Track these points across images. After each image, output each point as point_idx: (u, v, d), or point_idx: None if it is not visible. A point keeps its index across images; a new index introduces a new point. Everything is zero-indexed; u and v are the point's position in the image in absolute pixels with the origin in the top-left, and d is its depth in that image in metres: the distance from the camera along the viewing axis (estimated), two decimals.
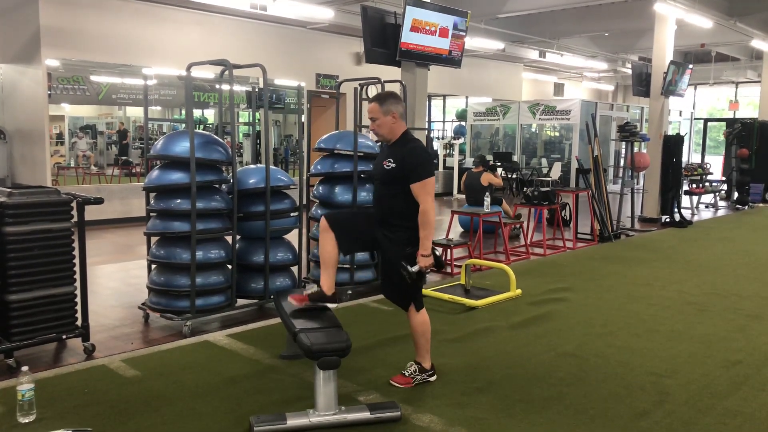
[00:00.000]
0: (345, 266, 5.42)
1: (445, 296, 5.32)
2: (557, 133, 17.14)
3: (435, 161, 15.28)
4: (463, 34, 7.46)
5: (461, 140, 16.03)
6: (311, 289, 3.42)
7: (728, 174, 13.84)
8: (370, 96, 5.88)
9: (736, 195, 13.56)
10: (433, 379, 3.57)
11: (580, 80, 21.14)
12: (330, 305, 3.39)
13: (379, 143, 5.56)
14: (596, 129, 8.97)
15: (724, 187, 13.95)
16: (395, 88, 5.98)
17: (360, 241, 3.57)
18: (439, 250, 3.47)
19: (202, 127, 14.47)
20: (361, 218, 3.61)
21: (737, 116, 17.94)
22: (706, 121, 16.46)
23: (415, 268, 3.29)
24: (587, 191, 8.63)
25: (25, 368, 3.08)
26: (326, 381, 3.00)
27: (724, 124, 15.23)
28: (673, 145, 10.70)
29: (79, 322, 4.01)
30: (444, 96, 18.00)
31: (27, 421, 3.01)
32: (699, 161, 13.73)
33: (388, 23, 6.88)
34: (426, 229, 3.28)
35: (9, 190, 3.74)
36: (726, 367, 3.90)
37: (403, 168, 3.32)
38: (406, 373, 3.52)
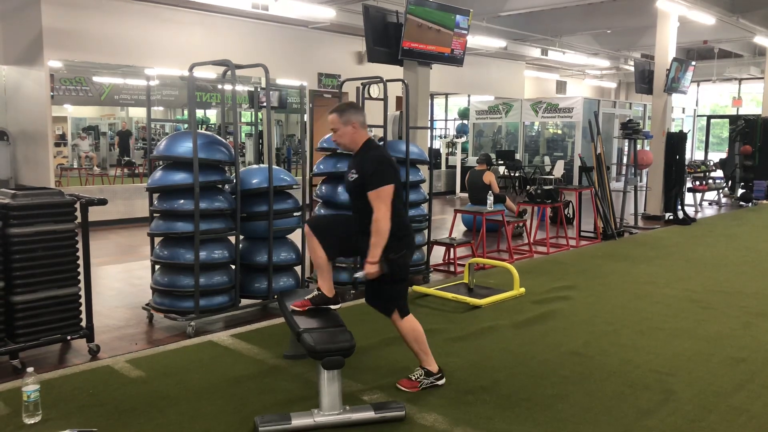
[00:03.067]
0: (348, 266, 5.42)
1: (449, 295, 5.31)
2: (560, 131, 17.11)
3: (437, 160, 15.28)
4: (465, 32, 7.45)
5: (464, 139, 16.03)
6: (312, 293, 3.42)
7: (731, 171, 13.82)
8: (372, 95, 5.92)
9: (740, 192, 13.54)
10: (441, 383, 3.50)
11: (583, 78, 21.09)
12: (332, 307, 3.39)
13: (383, 142, 5.57)
14: (599, 127, 8.96)
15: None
16: (397, 87, 5.98)
17: (341, 248, 3.51)
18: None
19: (204, 127, 14.49)
20: (341, 224, 3.58)
21: (740, 113, 17.90)
22: (709, 118, 16.44)
23: (359, 275, 3.26)
24: (590, 189, 8.62)
25: (30, 369, 3.09)
26: (330, 381, 3.00)
27: (727, 120, 15.20)
28: (676, 142, 10.68)
29: (83, 323, 4.02)
30: (446, 95, 17.99)
31: (32, 422, 3.02)
32: (702, 158, 13.70)
33: (390, 22, 6.88)
34: (376, 237, 3.20)
35: (13, 191, 3.75)
36: (731, 365, 3.89)
37: (364, 177, 3.28)
38: (413, 377, 3.49)
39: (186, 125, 10.10)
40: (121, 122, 15.66)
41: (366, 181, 3.26)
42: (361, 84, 5.82)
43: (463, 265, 6.07)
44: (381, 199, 3.22)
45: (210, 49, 9.87)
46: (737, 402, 3.35)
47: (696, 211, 11.83)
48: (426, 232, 6.12)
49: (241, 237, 4.90)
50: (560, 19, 13.28)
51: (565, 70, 19.50)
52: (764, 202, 13.34)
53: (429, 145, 7.34)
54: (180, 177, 4.48)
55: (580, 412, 3.21)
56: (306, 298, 3.39)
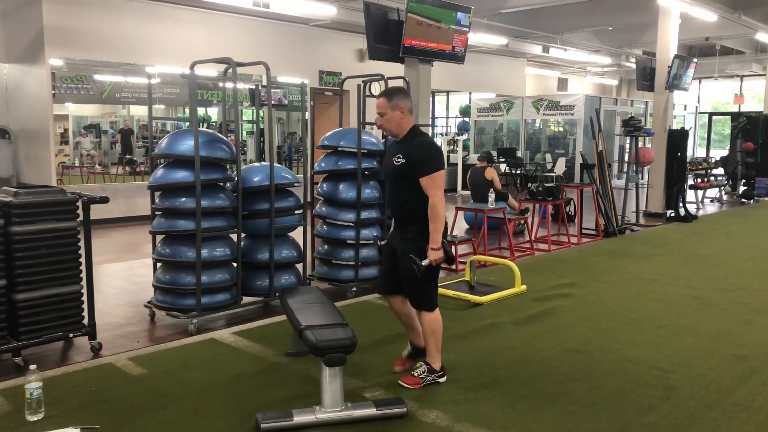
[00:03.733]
0: (350, 263, 5.42)
1: (450, 293, 5.32)
2: (561, 129, 17.10)
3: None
4: (466, 29, 7.45)
5: (465, 136, 16.01)
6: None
7: (733, 168, 13.80)
8: (374, 93, 5.90)
9: (741, 189, 13.53)
10: (443, 380, 3.52)
11: (584, 75, 21.07)
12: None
13: (385, 140, 5.57)
14: (600, 124, 8.95)
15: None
16: (398, 84, 5.97)
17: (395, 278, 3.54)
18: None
19: (205, 125, 14.48)
20: (388, 255, 3.61)
21: (742, 110, 17.88)
22: (710, 115, 16.42)
23: (425, 262, 3.29)
24: (592, 186, 8.61)
25: (32, 367, 3.10)
26: (332, 378, 3.01)
27: (729, 117, 15.19)
28: (677, 139, 10.67)
29: (85, 321, 4.02)
30: (447, 92, 17.98)
31: (35, 419, 3.03)
32: (704, 155, 13.69)
33: (391, 20, 6.87)
34: (435, 223, 3.28)
35: (15, 189, 3.75)
36: (732, 361, 3.90)
37: (412, 163, 3.32)
38: (415, 374, 3.50)
39: (187, 123, 10.09)
40: (123, 120, 15.65)
41: (417, 167, 3.31)
42: (362, 81, 5.82)
43: (465, 263, 6.07)
44: (436, 185, 3.30)
45: (211, 47, 9.88)
46: (738, 399, 3.35)
47: (697, 209, 11.82)
48: None
49: (243, 235, 4.91)
50: (561, 16, 13.26)
51: (567, 67, 19.47)
52: (766, 199, 13.32)
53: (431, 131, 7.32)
54: (182, 175, 4.49)
55: (582, 408, 3.21)
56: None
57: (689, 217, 10.28)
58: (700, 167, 12.51)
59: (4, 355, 3.79)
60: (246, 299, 4.91)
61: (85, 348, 4.06)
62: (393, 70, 6.68)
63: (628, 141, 11.44)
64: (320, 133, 6.35)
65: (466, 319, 4.75)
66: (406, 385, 3.45)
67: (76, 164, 13.22)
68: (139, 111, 15.49)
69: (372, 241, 5.55)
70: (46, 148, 9.14)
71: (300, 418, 2.98)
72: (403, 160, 3.35)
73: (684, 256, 7.32)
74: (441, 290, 5.37)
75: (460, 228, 8.75)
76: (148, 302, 4.81)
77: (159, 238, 4.77)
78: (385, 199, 5.61)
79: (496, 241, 7.88)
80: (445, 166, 3.42)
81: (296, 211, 5.08)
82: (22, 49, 9.17)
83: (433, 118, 17.63)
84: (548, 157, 16.26)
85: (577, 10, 12.95)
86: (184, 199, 4.49)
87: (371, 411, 3.06)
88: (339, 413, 3.01)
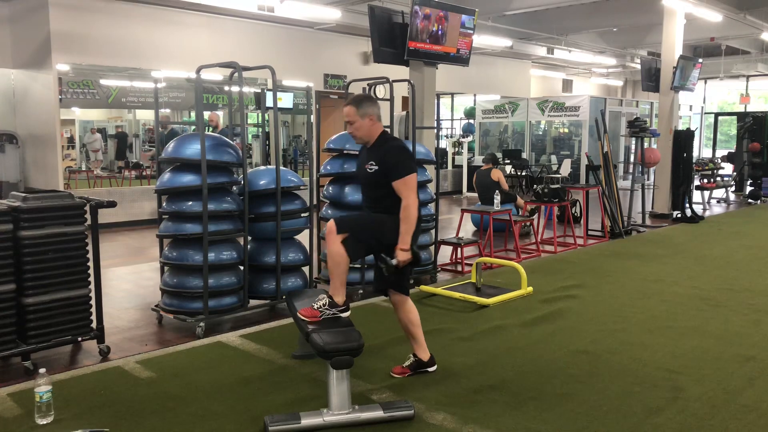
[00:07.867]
0: (356, 266, 5.43)
1: (457, 295, 5.32)
2: (566, 130, 17.07)
3: (443, 160, 15.29)
4: (471, 32, 7.46)
5: (470, 138, 16.02)
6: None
7: (739, 168, 13.75)
8: (379, 95, 5.93)
9: (748, 189, 13.47)
10: (345, 315, 3.28)
11: (589, 76, 21.02)
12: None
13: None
14: (605, 125, 8.94)
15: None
16: (403, 87, 6.00)
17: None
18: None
19: (211, 129, 14.53)
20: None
21: (748, 110, 17.80)
22: (716, 115, 16.35)
23: (393, 261, 3.33)
24: (597, 188, 8.60)
25: (42, 370, 3.12)
26: (339, 380, 3.01)
27: (735, 118, 15.14)
28: (683, 140, 10.64)
29: (94, 325, 4.05)
30: (452, 94, 17.98)
31: (45, 422, 3.05)
32: (710, 156, 13.65)
33: (395, 23, 6.89)
34: (406, 224, 3.31)
35: (24, 194, 3.78)
36: (740, 362, 3.88)
37: (384, 168, 3.37)
38: (315, 306, 3.26)
39: (193, 127, 10.13)
40: (116, 127, 15.74)
41: (390, 172, 3.35)
42: (368, 84, 5.84)
43: (471, 265, 6.07)
44: (409, 188, 3.34)
45: (216, 51, 9.91)
46: (746, 400, 3.34)
47: (704, 209, 11.78)
48: (433, 231, 6.12)
49: (249, 238, 4.92)
50: (566, 18, 13.24)
51: (572, 68, 19.44)
52: None
53: (435, 145, 7.34)
54: (188, 179, 4.51)
55: (589, 410, 3.21)
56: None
57: (696, 218, 10.24)
58: (707, 168, 12.46)
59: (14, 359, 3.82)
60: (253, 302, 4.93)
61: (93, 351, 4.08)
62: (398, 73, 6.69)
63: (633, 142, 11.41)
64: (326, 137, 6.37)
65: (473, 321, 4.75)
66: (303, 317, 3.22)
67: (83, 168, 13.31)
68: (144, 115, 15.59)
69: None
70: (53, 152, 9.19)
71: (307, 420, 2.99)
72: (377, 167, 3.40)
73: (691, 256, 7.30)
74: (448, 292, 5.39)
75: (466, 230, 8.75)
76: (156, 305, 4.83)
77: (166, 241, 4.79)
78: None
79: (502, 242, 7.88)
80: (415, 169, 3.46)
81: (302, 214, 5.09)
82: (29, 55, 9.23)
83: (439, 120, 17.64)
84: (553, 158, 16.25)
85: (582, 11, 12.93)
86: (190, 202, 4.51)
87: (378, 413, 3.07)
88: (346, 416, 3.02)
